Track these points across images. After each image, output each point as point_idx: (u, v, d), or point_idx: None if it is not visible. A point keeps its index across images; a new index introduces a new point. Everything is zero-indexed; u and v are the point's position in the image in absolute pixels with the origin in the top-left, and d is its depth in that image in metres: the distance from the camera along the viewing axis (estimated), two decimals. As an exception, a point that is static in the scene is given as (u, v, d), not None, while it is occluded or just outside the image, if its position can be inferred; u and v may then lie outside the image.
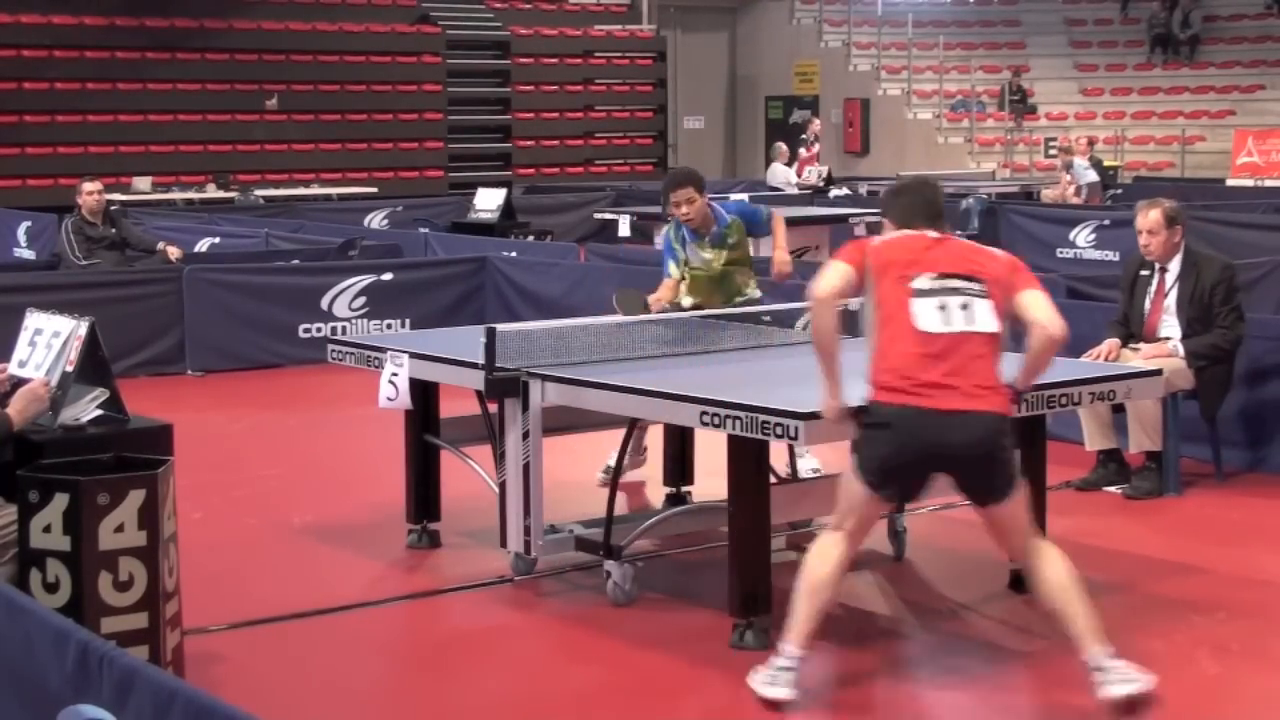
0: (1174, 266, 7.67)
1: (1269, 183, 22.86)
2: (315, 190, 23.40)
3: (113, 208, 13.06)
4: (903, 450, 4.80)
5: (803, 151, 24.63)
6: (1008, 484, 4.87)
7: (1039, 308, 4.89)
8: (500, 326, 6.16)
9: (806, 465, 7.55)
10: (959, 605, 5.99)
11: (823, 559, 4.91)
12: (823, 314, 4.93)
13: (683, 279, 7.62)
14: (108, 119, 23.35)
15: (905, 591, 6.22)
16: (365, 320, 11.94)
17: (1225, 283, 7.59)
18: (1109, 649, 4.80)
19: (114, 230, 12.53)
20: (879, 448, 4.84)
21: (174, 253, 12.45)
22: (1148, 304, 7.72)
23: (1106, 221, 17.24)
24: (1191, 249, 7.74)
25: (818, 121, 25.88)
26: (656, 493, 7.40)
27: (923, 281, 4.85)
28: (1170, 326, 7.65)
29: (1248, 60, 29.60)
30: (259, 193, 21.91)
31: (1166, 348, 7.52)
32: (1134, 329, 7.76)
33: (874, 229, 17.42)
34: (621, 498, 6.09)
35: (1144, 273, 7.77)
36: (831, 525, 5.03)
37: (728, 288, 7.61)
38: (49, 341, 5.24)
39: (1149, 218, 7.63)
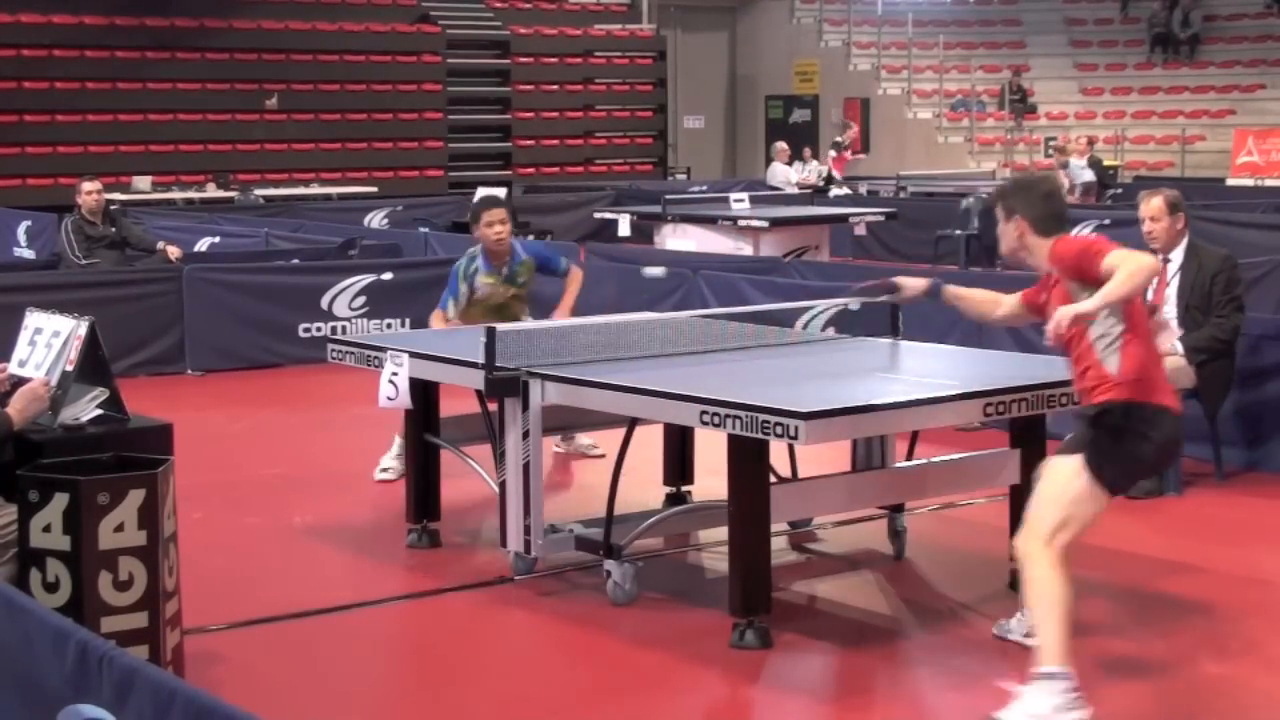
0: (1177, 256, 7.72)
1: (1269, 182, 22.86)
2: (315, 190, 23.40)
3: (112, 207, 13.06)
4: (1162, 450, 4.91)
5: (831, 153, 24.62)
6: None
7: None
8: (500, 326, 6.16)
9: (583, 441, 8.03)
10: (959, 605, 5.99)
11: (1065, 576, 4.65)
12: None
13: (458, 314, 7.98)
14: (108, 119, 23.36)
15: (905, 591, 6.22)
16: (365, 320, 11.94)
17: (1226, 272, 7.62)
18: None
19: (114, 229, 12.54)
20: (1145, 448, 4.83)
21: (174, 252, 12.46)
22: (1149, 296, 7.74)
23: (1107, 221, 17.22)
24: (1194, 240, 7.78)
25: (855, 128, 25.82)
26: (656, 493, 7.40)
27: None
28: (1172, 319, 7.66)
29: (1248, 60, 29.61)
30: (259, 192, 21.92)
31: (1165, 347, 7.52)
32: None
33: (874, 228, 17.47)
34: (621, 498, 6.08)
35: None
36: (1053, 535, 4.70)
37: (504, 316, 7.93)
38: (49, 341, 5.24)
39: (1151, 205, 7.71)
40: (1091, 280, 4.74)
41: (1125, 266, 4.67)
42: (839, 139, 25.25)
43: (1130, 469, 4.87)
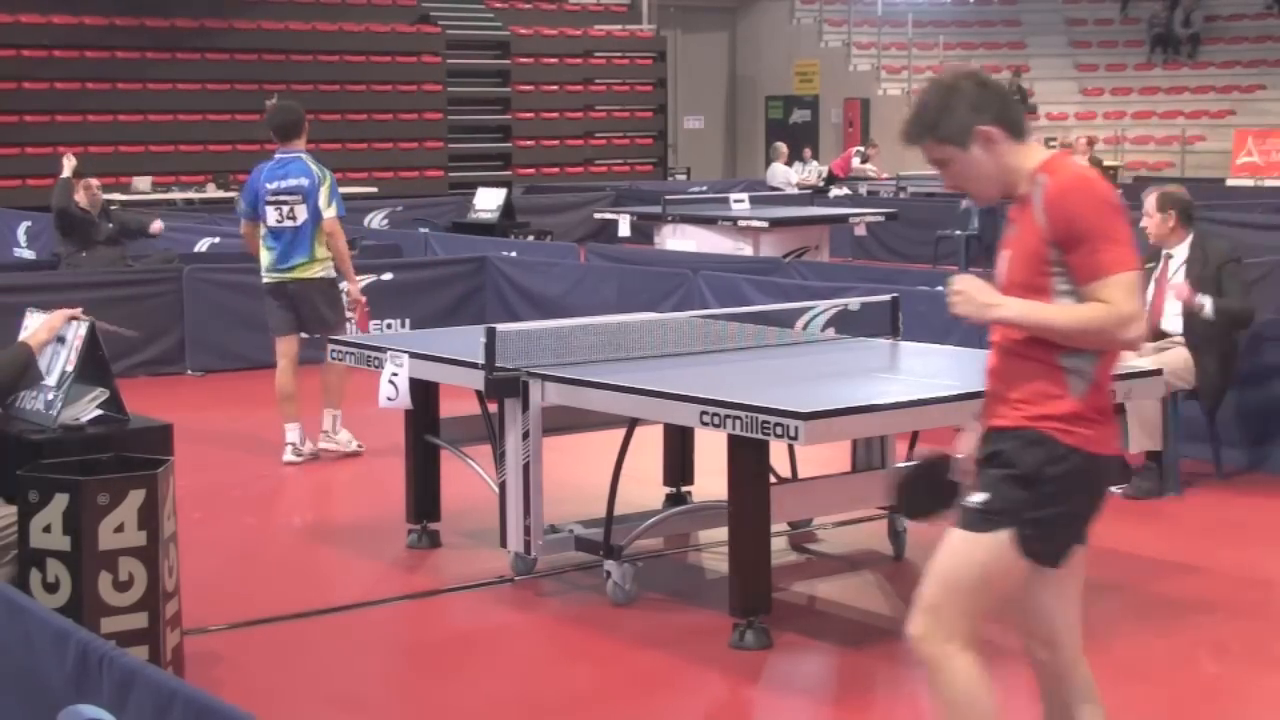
0: (1180, 252, 7.74)
1: (1269, 183, 22.87)
2: (315, 190, 23.37)
3: (112, 208, 13.07)
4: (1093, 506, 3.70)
5: (856, 160, 24.58)
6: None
7: None
8: (500, 326, 6.15)
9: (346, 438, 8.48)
10: (959, 605, 5.98)
11: (980, 684, 3.68)
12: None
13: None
14: (108, 119, 23.35)
15: (905, 591, 6.19)
16: (365, 320, 11.92)
17: (1234, 262, 7.67)
18: None
19: (110, 225, 12.55)
20: (1084, 505, 3.65)
21: (156, 227, 12.69)
22: (1151, 290, 7.74)
23: (1106, 221, 17.21)
24: (1200, 235, 7.81)
25: (879, 147, 25.76)
26: (656, 493, 7.41)
27: None
28: (1173, 316, 7.67)
29: (1248, 60, 29.61)
30: (259, 193, 21.88)
31: (1198, 301, 7.53)
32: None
33: (874, 228, 17.47)
34: (621, 498, 6.08)
35: (1149, 265, 7.83)
36: (957, 633, 3.69)
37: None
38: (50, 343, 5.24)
39: (1148, 200, 7.86)
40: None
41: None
42: (862, 149, 25.23)
43: (1073, 529, 3.68)
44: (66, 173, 12.46)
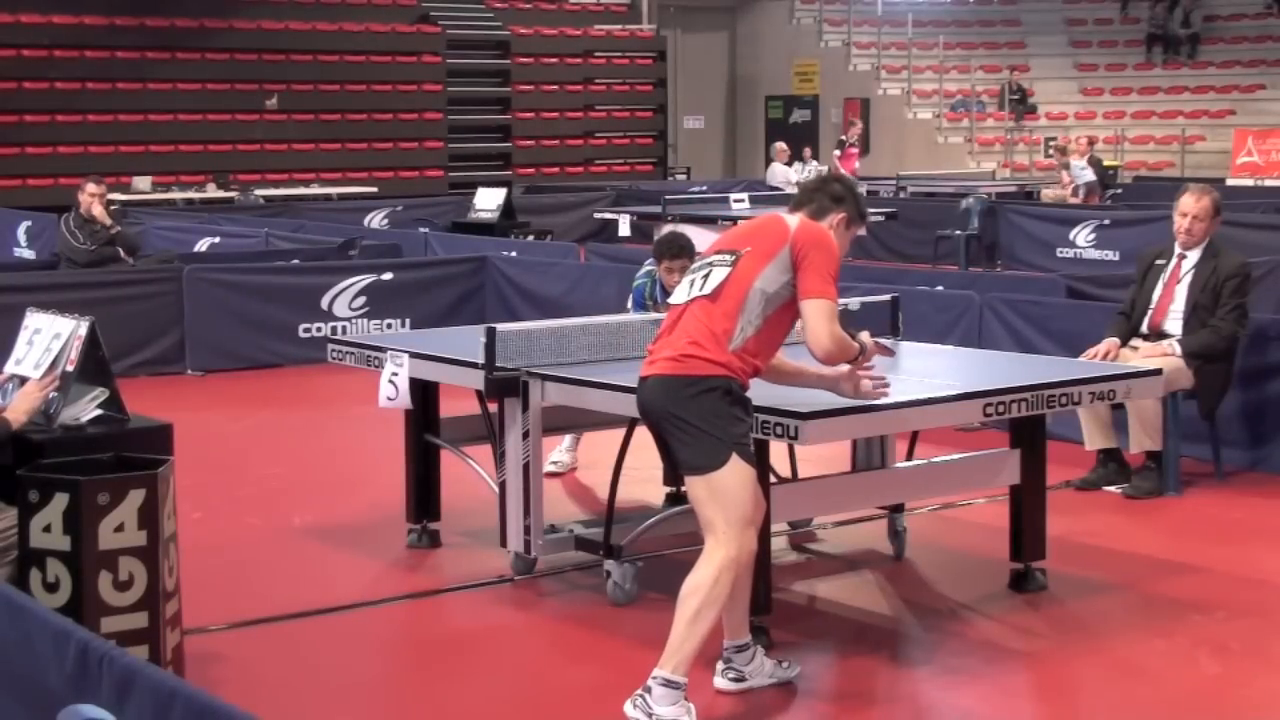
0: (1193, 254, 7.71)
1: (1269, 183, 22.86)
2: (315, 190, 23.41)
3: (113, 207, 13.06)
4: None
5: (836, 152, 24.58)
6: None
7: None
8: (500, 326, 6.15)
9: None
10: (959, 605, 5.99)
11: None
12: None
13: None
14: (108, 119, 23.37)
15: (905, 591, 6.22)
16: (365, 320, 11.94)
17: (1240, 277, 7.62)
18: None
19: (110, 230, 12.56)
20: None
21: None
22: (1159, 289, 7.72)
23: (1106, 221, 17.24)
24: (1215, 242, 7.78)
25: (859, 125, 25.72)
26: (656, 493, 7.40)
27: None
28: (1177, 318, 7.65)
29: (1248, 60, 29.63)
30: (259, 193, 21.93)
31: (1163, 347, 7.53)
32: (1138, 318, 7.76)
33: (874, 228, 17.46)
34: (621, 498, 6.08)
35: (1160, 261, 7.81)
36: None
37: None
38: (49, 343, 5.24)
39: (1200, 203, 7.68)
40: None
41: None
42: (843, 137, 25.24)
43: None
44: (84, 207, 12.39)
